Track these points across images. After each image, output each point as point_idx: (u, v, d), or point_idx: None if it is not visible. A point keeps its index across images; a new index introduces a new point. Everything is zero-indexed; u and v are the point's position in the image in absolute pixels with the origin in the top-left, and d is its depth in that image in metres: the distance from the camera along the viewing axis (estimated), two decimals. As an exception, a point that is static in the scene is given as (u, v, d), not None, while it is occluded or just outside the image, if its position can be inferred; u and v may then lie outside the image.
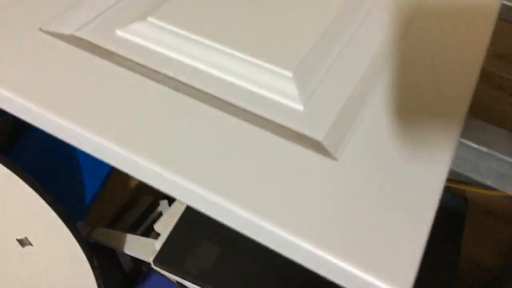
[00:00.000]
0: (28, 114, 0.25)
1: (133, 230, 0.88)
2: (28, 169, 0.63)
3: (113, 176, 0.82)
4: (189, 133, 0.24)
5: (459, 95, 0.27)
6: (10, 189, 0.66)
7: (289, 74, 0.26)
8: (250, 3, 0.31)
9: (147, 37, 0.29)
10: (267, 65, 0.27)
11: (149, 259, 0.71)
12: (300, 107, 0.25)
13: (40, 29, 0.28)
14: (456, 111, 0.25)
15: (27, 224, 0.70)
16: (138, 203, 0.94)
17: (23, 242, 0.71)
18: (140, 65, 0.28)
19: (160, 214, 0.91)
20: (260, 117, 0.26)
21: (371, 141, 0.23)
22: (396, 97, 0.26)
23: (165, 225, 0.67)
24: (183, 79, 0.27)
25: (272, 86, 0.26)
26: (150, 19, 0.29)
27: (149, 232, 0.89)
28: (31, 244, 0.71)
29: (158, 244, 0.64)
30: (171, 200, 0.90)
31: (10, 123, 0.75)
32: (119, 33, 0.29)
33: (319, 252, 0.20)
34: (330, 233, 0.20)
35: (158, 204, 0.92)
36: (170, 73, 0.27)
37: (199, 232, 0.63)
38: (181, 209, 0.67)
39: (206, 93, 0.26)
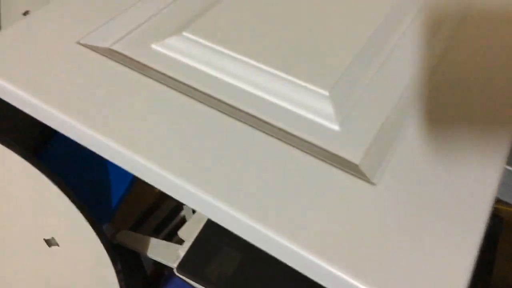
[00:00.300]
0: (62, 125, 0.25)
1: (156, 233, 0.88)
2: (56, 171, 0.64)
3: (138, 179, 0.83)
4: (221, 151, 0.23)
5: (504, 120, 0.26)
6: (39, 190, 0.68)
7: (326, 92, 0.26)
8: (286, 19, 0.31)
9: (182, 51, 0.29)
10: (303, 83, 0.26)
11: (172, 264, 0.71)
12: (336, 127, 0.25)
13: (78, 42, 0.28)
14: (501, 135, 0.24)
15: (55, 224, 0.71)
16: (161, 206, 0.95)
17: (50, 242, 0.72)
18: (174, 79, 0.28)
19: (184, 219, 0.92)
20: (294, 135, 0.25)
21: (411, 166, 0.22)
22: (436, 120, 0.25)
23: (189, 232, 0.67)
24: (216, 95, 0.27)
25: (308, 104, 0.26)
26: (185, 33, 0.29)
27: (172, 236, 0.90)
28: (57, 245, 0.73)
29: (182, 250, 0.64)
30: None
31: (39, 125, 0.77)
32: (155, 47, 0.29)
33: (355, 282, 0.19)
34: (368, 262, 0.19)
35: (181, 208, 0.93)
36: (203, 88, 0.27)
37: (223, 240, 0.62)
38: (206, 216, 0.67)
39: (240, 110, 0.26)
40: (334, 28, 0.30)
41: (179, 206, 0.93)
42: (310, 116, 0.25)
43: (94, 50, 0.28)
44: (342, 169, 0.23)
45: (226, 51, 0.28)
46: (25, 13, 0.76)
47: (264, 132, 0.24)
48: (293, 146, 0.24)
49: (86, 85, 0.26)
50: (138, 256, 0.86)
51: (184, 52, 0.29)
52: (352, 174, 0.23)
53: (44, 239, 0.72)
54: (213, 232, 0.62)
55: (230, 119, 0.25)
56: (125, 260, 0.74)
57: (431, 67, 0.27)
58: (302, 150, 0.24)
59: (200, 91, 0.27)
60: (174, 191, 0.23)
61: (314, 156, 0.24)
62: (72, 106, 0.25)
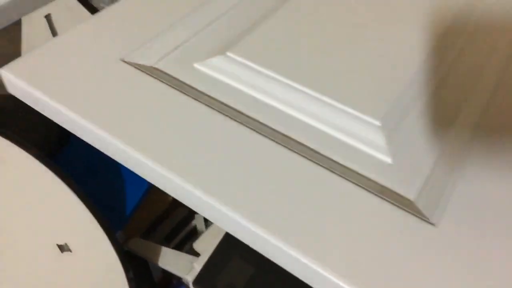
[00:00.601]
0: (101, 142, 0.25)
1: (167, 241, 0.88)
2: (72, 175, 0.64)
3: (152, 187, 0.83)
4: (264, 177, 0.22)
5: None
6: (54, 194, 0.67)
7: (377, 122, 0.25)
8: (333, 42, 0.30)
9: (225, 72, 0.28)
10: (352, 111, 0.25)
11: (185, 275, 0.70)
12: (388, 160, 0.24)
13: (122, 60, 0.28)
14: None
15: (68, 230, 0.71)
16: (173, 214, 0.94)
17: (62, 248, 0.72)
18: (216, 100, 0.27)
19: (195, 228, 0.91)
20: (343, 166, 0.24)
21: (475, 204, 0.21)
22: (501, 152, 0.24)
23: (204, 245, 0.66)
24: (260, 118, 0.26)
25: (358, 134, 0.25)
26: (229, 54, 0.29)
27: (183, 245, 0.89)
28: (70, 251, 0.72)
29: (197, 264, 0.63)
30: (206, 215, 0.90)
31: (56, 129, 0.76)
32: (197, 66, 0.28)
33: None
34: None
35: (193, 218, 0.92)
36: (246, 111, 0.26)
37: (241, 256, 0.61)
38: (222, 230, 0.66)
39: (285, 136, 0.25)
40: (385, 53, 0.29)
41: (190, 215, 0.92)
42: (361, 146, 0.24)
43: (137, 68, 0.27)
44: (396, 205, 0.22)
45: (271, 73, 0.28)
46: (47, 16, 0.76)
47: (309, 159, 0.24)
48: (342, 176, 0.23)
49: (129, 103, 0.25)
50: (146, 263, 0.85)
51: (228, 72, 0.28)
52: (408, 211, 0.22)
53: (57, 244, 0.71)
54: (230, 247, 0.62)
55: (274, 144, 0.24)
56: (135, 267, 0.74)
57: (489, 91, 0.26)
58: (352, 182, 0.23)
59: (243, 113, 0.26)
60: (203, 209, 0.22)
61: (365, 189, 0.23)
62: (113, 123, 0.24)
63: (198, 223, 0.91)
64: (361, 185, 0.23)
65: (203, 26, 0.31)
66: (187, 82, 0.27)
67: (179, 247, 0.86)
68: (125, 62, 0.27)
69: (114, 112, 0.24)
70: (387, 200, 0.23)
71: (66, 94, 0.25)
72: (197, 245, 0.67)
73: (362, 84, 0.27)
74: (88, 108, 0.24)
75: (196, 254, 0.75)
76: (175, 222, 0.93)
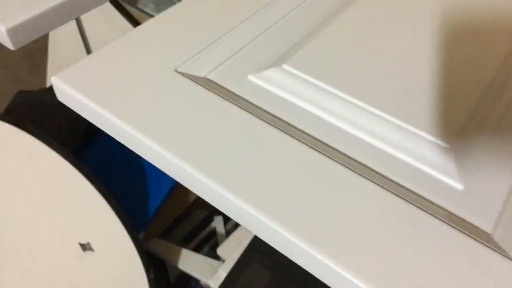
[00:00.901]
0: (152, 153, 0.24)
1: (186, 242, 0.87)
2: (97, 175, 0.63)
3: (174, 190, 0.82)
4: (318, 196, 0.21)
5: None
6: (79, 192, 0.67)
7: (446, 144, 0.23)
8: (393, 54, 0.29)
9: (280, 85, 0.27)
10: (418, 131, 0.24)
11: (206, 280, 0.70)
12: (459, 186, 0.22)
13: (176, 70, 0.27)
14: None
15: (92, 229, 0.71)
16: (192, 215, 0.94)
17: (84, 247, 0.72)
18: (270, 113, 0.26)
19: (214, 230, 0.90)
20: (407, 189, 0.23)
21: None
22: None
23: (228, 251, 0.65)
24: (316, 134, 0.25)
25: (424, 156, 0.24)
26: (285, 66, 0.28)
27: (202, 247, 0.88)
28: (92, 250, 0.72)
29: (223, 270, 0.62)
30: (226, 218, 0.89)
31: (83, 127, 0.76)
32: (251, 78, 0.27)
33: None
34: None
35: (212, 219, 0.91)
36: (301, 125, 0.25)
37: (268, 264, 0.61)
38: (247, 236, 0.65)
39: (345, 155, 0.24)
40: (452, 66, 0.28)
41: (209, 216, 0.92)
42: (427, 170, 0.23)
43: (191, 79, 0.26)
44: (469, 236, 0.21)
45: (329, 88, 0.26)
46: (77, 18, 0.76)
47: (368, 180, 0.22)
48: (406, 200, 0.22)
49: (182, 115, 0.24)
50: (164, 264, 0.85)
51: (283, 85, 0.27)
52: (484, 244, 0.21)
53: (79, 243, 0.71)
54: (256, 254, 0.61)
55: (332, 162, 0.23)
56: (154, 268, 0.73)
57: None
58: (417, 206, 0.22)
59: (298, 129, 0.25)
60: (268, 236, 0.21)
61: (433, 215, 0.22)
62: (167, 136, 0.23)
63: (217, 225, 0.91)
64: (426, 210, 0.22)
65: (256, 35, 0.30)
66: (241, 94, 0.26)
67: (197, 248, 0.86)
68: (178, 72, 0.26)
69: (168, 124, 0.23)
70: (458, 230, 0.21)
71: (117, 104, 0.24)
72: (221, 250, 0.66)
73: (428, 102, 0.26)
74: (141, 119, 0.23)
75: (216, 257, 0.75)
76: (194, 223, 0.92)
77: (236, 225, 0.87)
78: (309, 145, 0.23)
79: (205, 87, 0.26)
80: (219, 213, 0.89)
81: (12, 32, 0.26)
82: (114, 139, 0.25)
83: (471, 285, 0.19)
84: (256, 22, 0.30)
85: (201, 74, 0.27)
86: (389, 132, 0.24)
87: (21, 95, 0.69)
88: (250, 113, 0.25)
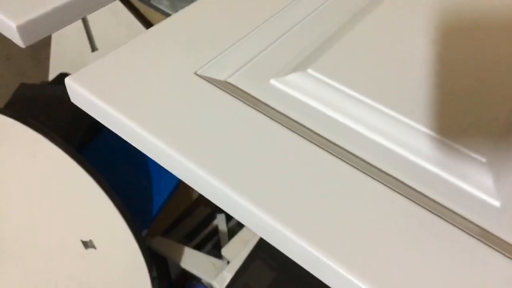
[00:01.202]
0: (170, 160, 0.22)
1: (188, 240, 0.86)
2: (99, 171, 0.62)
3: (178, 189, 0.81)
4: (343, 209, 0.20)
5: None
6: (83, 189, 0.66)
7: (482, 159, 0.22)
8: (425, 61, 0.27)
9: (304, 90, 0.26)
10: (453, 144, 0.23)
11: (210, 280, 0.69)
12: (496, 203, 0.21)
13: (195, 73, 0.25)
14: None
15: (95, 227, 0.69)
16: (194, 213, 0.93)
17: (87, 244, 0.71)
18: (292, 119, 0.25)
19: (216, 228, 0.89)
20: (440, 204, 0.22)
21: None
22: None
23: (233, 251, 0.64)
24: (342, 143, 0.24)
25: (459, 171, 0.22)
26: (310, 71, 0.26)
27: (204, 244, 0.87)
28: (94, 247, 0.71)
29: (228, 271, 0.61)
30: (228, 215, 0.88)
31: (87, 122, 0.75)
32: (273, 82, 0.26)
33: None
34: None
35: (214, 217, 0.90)
36: (327, 134, 0.24)
37: (275, 267, 0.60)
38: (252, 237, 0.64)
39: (374, 166, 0.23)
40: (485, 75, 0.26)
41: (212, 214, 0.91)
42: (463, 185, 0.22)
43: (211, 83, 0.25)
44: (504, 255, 0.20)
45: (358, 95, 0.25)
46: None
47: (398, 193, 0.21)
48: (440, 216, 0.21)
49: (202, 120, 0.23)
50: (165, 261, 0.84)
51: (308, 91, 0.26)
52: None
53: (81, 240, 0.70)
54: (263, 257, 0.60)
55: (359, 173, 0.22)
56: (157, 266, 0.72)
57: None
58: (453, 224, 0.21)
59: (325, 138, 0.24)
60: (282, 243, 0.20)
61: (468, 234, 0.21)
62: (185, 143, 0.22)
63: (219, 223, 0.90)
64: (464, 229, 0.21)
65: (278, 36, 0.28)
66: (262, 99, 0.25)
67: (200, 246, 0.85)
68: (198, 75, 0.25)
69: (187, 130, 0.22)
70: (492, 248, 0.20)
71: (133, 108, 0.23)
72: (226, 251, 0.65)
73: (462, 111, 0.24)
74: (159, 124, 0.22)
75: (219, 256, 0.74)
76: (196, 221, 0.91)
77: (239, 224, 0.86)
78: (335, 154, 0.22)
79: (225, 91, 0.24)
80: (221, 211, 0.88)
81: (23, 29, 0.25)
82: (118, 135, 0.24)
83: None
84: (278, 22, 0.29)
85: (222, 77, 0.25)
86: (422, 144, 0.23)
87: (24, 88, 0.67)
88: (272, 119, 0.23)
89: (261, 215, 0.21)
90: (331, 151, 0.23)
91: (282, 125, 0.24)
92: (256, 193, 0.21)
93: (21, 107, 0.67)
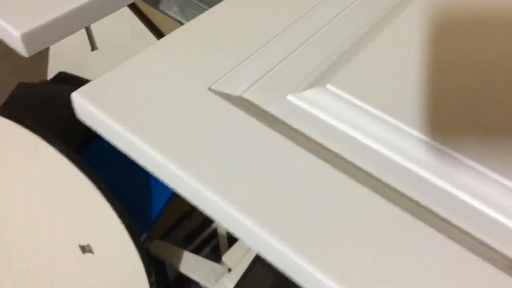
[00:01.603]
0: (183, 184, 0.21)
1: (186, 243, 0.85)
2: (98, 174, 0.61)
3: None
4: (363, 236, 0.19)
5: None
6: (80, 192, 0.64)
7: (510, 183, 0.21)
8: (452, 75, 0.26)
9: (324, 107, 0.24)
10: (483, 169, 0.22)
11: (210, 287, 0.67)
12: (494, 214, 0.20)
13: (209, 89, 0.24)
14: None
15: (93, 231, 0.68)
16: (193, 215, 0.92)
17: (84, 249, 0.69)
18: (311, 139, 0.23)
19: (215, 231, 0.88)
20: (465, 232, 0.21)
21: None
22: None
23: (235, 258, 0.63)
24: (363, 165, 0.22)
25: (489, 196, 0.21)
26: (329, 86, 0.25)
27: (202, 248, 0.86)
28: (91, 252, 0.70)
29: (229, 280, 0.60)
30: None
31: (82, 126, 0.73)
32: (291, 98, 0.25)
33: None
34: None
35: (213, 220, 0.89)
36: (347, 154, 0.23)
37: (270, 267, 0.58)
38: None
39: (389, 187, 0.22)
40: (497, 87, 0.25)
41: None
42: (493, 214, 0.21)
43: (224, 98, 0.24)
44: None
45: (381, 114, 0.24)
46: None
47: (423, 221, 0.20)
48: (461, 244, 0.20)
49: (216, 139, 0.22)
50: (163, 264, 0.83)
51: (327, 108, 0.24)
52: None
53: (79, 244, 0.69)
54: (265, 265, 0.59)
55: (381, 199, 0.21)
56: (155, 271, 0.71)
57: None
58: (467, 249, 0.20)
59: (339, 156, 0.23)
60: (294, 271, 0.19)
61: (488, 262, 0.20)
62: (196, 164, 0.21)
63: (218, 226, 0.89)
64: (475, 253, 0.20)
65: (294, 48, 0.27)
66: (280, 116, 0.24)
67: (198, 249, 0.84)
68: (212, 91, 0.23)
69: (198, 150, 0.21)
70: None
71: (143, 126, 0.21)
72: (227, 257, 0.64)
73: (496, 133, 0.23)
74: (170, 144, 0.21)
75: (217, 260, 0.73)
76: (195, 223, 0.90)
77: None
78: (358, 179, 0.21)
79: (239, 108, 0.23)
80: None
81: (26, 38, 0.23)
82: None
83: None
84: (295, 33, 0.27)
85: (236, 92, 0.24)
86: (452, 170, 0.22)
87: (22, 87, 0.66)
88: (289, 138, 0.22)
89: (275, 242, 0.19)
90: (353, 176, 0.22)
91: (298, 145, 0.22)
92: (266, 217, 0.20)
93: (19, 106, 0.66)
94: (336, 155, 0.23)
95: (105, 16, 0.27)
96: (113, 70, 0.23)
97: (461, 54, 0.28)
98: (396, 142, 0.23)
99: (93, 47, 0.76)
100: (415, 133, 0.23)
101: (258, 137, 0.22)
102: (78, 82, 0.76)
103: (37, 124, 0.61)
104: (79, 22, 0.25)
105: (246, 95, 0.24)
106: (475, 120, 0.24)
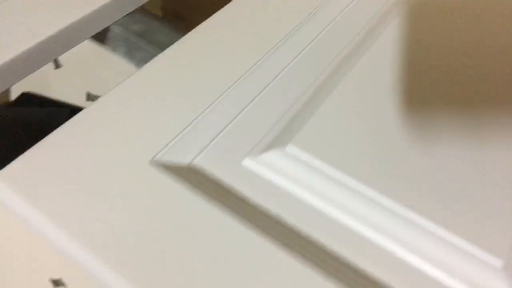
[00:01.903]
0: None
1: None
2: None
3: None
4: None
5: None
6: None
7: (498, 263, 0.19)
8: (417, 138, 0.24)
9: (285, 173, 0.21)
10: (458, 242, 0.19)
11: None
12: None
13: (152, 161, 0.21)
14: None
15: (65, 263, 0.64)
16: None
17: (56, 283, 0.65)
18: (272, 217, 0.20)
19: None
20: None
21: None
22: None
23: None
24: (335, 247, 0.19)
25: (469, 277, 0.19)
26: (290, 148, 0.22)
27: None
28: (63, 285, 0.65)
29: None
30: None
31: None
32: (247, 163, 0.22)
33: None
34: None
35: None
36: (318, 234, 0.20)
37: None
38: None
39: (363, 273, 0.19)
40: (497, 156, 0.23)
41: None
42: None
43: (168, 170, 0.20)
44: None
45: (351, 180, 0.21)
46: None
47: None
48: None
49: (153, 233, 0.18)
50: None
51: (289, 174, 0.21)
52: None
53: (51, 279, 0.65)
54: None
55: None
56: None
57: None
58: None
59: (312, 239, 0.20)
60: None
61: None
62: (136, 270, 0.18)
63: None
64: None
65: (245, 105, 0.24)
66: (235, 186, 0.21)
67: None
68: (155, 163, 0.20)
69: (131, 249, 0.18)
70: None
71: (67, 217, 0.18)
72: None
73: (473, 206, 0.21)
74: (98, 240, 0.18)
75: None
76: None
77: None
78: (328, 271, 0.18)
79: (183, 179, 0.20)
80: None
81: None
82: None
83: None
84: (247, 85, 0.24)
85: (185, 161, 0.21)
86: (420, 242, 0.19)
87: None
88: (248, 220, 0.19)
89: None
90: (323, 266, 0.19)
91: (258, 231, 0.19)
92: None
93: None
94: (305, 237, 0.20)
95: (71, 48, 0.24)
96: (35, 146, 0.19)
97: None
98: (372, 216, 0.20)
99: (57, 65, 0.71)
100: (392, 203, 0.20)
101: (206, 223, 0.19)
102: (42, 102, 0.72)
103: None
104: (45, 56, 0.22)
105: (196, 162, 0.21)
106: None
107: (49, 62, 0.26)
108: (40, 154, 0.20)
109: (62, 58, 0.74)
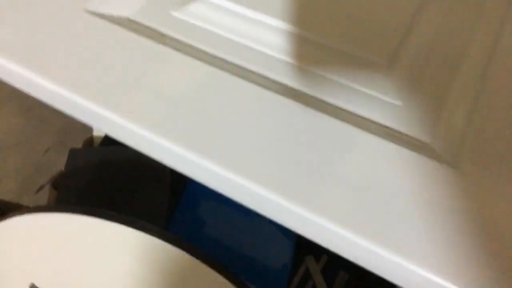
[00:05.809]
0: (70, 106, 0.21)
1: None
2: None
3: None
4: (256, 129, 0.19)
5: None
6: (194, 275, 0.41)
7: (384, 62, 0.20)
8: None
9: (206, 19, 0.24)
10: (354, 52, 0.21)
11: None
12: (397, 102, 0.19)
13: (87, 11, 0.24)
14: None
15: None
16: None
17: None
18: (198, 49, 0.23)
19: (308, 272, 0.62)
20: (348, 111, 0.20)
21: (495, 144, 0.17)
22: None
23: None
24: (247, 65, 0.22)
25: (361, 76, 0.20)
26: (209, -3, 0.24)
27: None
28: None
29: None
30: (317, 255, 0.57)
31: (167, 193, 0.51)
32: (175, 14, 0.25)
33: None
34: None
35: (303, 260, 0.60)
36: (233, 59, 0.22)
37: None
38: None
39: (279, 83, 0.21)
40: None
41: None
42: (366, 90, 0.20)
43: (105, 19, 0.24)
44: (411, 149, 0.18)
45: (259, 17, 0.23)
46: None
47: (311, 107, 0.19)
48: (346, 122, 0.19)
49: (101, 60, 0.22)
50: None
51: (209, 18, 0.24)
52: (425, 155, 0.17)
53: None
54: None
55: (269, 92, 0.20)
56: None
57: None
58: (358, 127, 0.19)
59: (230, 62, 0.22)
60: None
61: (376, 134, 0.18)
62: (85, 85, 0.21)
63: (310, 265, 0.61)
64: (369, 131, 0.18)
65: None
66: (164, 31, 0.24)
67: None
68: (91, 13, 0.24)
69: (82, 71, 0.21)
70: (401, 145, 0.18)
71: (27, 57, 0.22)
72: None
73: (362, 23, 0.23)
74: (51, 68, 0.21)
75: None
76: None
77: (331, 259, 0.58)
78: (236, 74, 0.20)
79: (121, 26, 0.23)
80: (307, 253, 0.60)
81: None
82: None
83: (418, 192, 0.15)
84: None
85: (116, 12, 0.24)
86: (324, 56, 0.21)
87: (74, 156, 0.52)
88: (176, 50, 0.22)
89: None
90: (235, 73, 0.21)
91: (188, 54, 0.22)
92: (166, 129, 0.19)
93: (78, 182, 0.51)
94: (222, 59, 0.22)
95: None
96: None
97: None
98: (277, 41, 0.22)
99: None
100: (293, 28, 0.22)
101: (148, 53, 0.22)
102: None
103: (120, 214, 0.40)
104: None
105: (129, 15, 0.24)
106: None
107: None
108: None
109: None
